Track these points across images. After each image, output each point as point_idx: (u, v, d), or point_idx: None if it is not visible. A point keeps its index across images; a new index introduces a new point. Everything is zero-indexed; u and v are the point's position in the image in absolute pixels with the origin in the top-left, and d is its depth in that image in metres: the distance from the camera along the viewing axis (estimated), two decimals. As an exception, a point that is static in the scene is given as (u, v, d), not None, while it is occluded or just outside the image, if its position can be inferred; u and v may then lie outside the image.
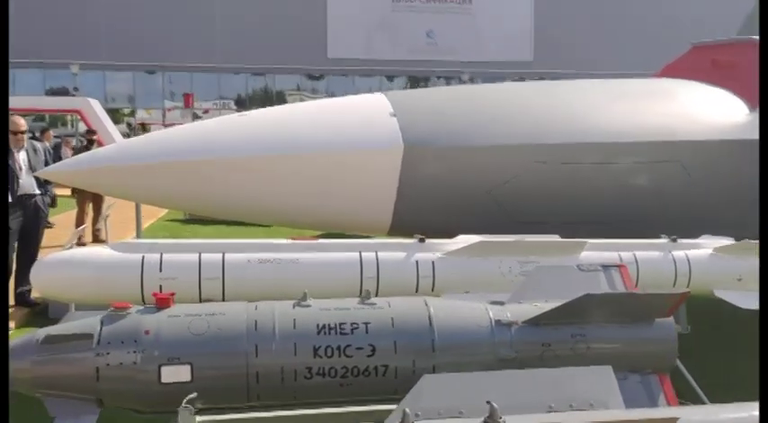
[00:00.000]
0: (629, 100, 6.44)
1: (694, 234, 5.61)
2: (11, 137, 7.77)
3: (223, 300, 4.85)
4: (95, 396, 3.32)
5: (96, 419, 3.34)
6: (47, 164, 8.72)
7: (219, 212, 6.75)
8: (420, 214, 6.20)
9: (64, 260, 4.69)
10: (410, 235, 5.66)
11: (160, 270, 4.69)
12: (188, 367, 3.31)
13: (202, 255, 4.79)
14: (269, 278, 4.79)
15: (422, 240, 5.14)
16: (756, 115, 6.12)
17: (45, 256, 4.86)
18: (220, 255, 4.81)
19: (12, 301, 7.90)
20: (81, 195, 11.73)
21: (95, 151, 6.52)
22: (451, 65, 38.89)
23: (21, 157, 8.12)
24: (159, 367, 3.29)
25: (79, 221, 12.11)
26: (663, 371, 3.67)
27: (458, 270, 4.98)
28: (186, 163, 5.93)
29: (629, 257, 5.07)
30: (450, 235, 5.38)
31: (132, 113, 39.34)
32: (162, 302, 3.49)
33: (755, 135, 6.04)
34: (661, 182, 6.02)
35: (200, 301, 4.82)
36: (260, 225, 15.79)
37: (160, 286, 4.69)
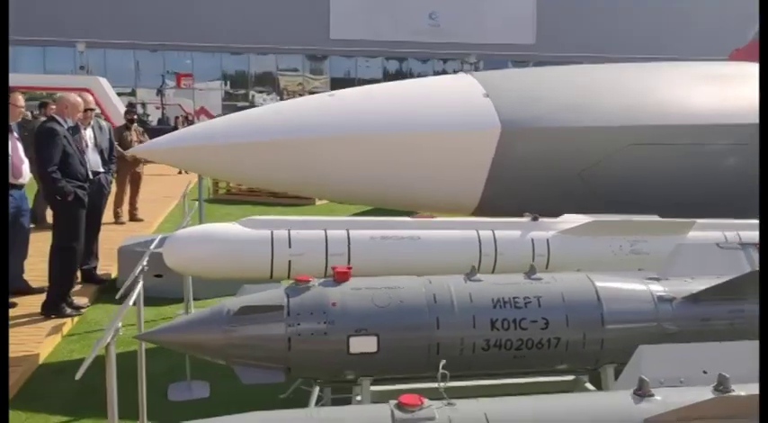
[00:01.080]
0: (713, 82, 6.57)
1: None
2: (84, 114, 7.78)
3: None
4: (285, 365, 3.43)
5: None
6: (111, 142, 8.75)
7: (313, 192, 6.83)
8: (507, 195, 6.30)
9: (198, 236, 4.77)
10: (493, 215, 5.78)
11: (289, 246, 4.79)
12: (374, 338, 3.41)
13: (328, 231, 4.88)
14: (392, 254, 4.90)
15: (535, 219, 5.26)
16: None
17: (177, 232, 4.94)
18: (344, 231, 4.91)
19: (79, 278, 7.95)
20: (120, 175, 11.73)
21: (187, 130, 6.55)
22: (454, 47, 38.88)
23: (87, 135, 8.14)
24: (348, 338, 3.39)
25: (118, 201, 12.13)
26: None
27: (571, 248, 5.12)
28: (288, 141, 6.00)
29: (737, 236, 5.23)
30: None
31: (133, 93, 39.05)
32: (341, 276, 3.59)
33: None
34: (749, 163, 6.16)
35: (325, 276, 4.94)
36: (292, 204, 15.99)
37: (289, 261, 4.81)
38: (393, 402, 2.52)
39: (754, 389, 2.64)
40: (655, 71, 7.02)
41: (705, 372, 2.83)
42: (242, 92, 41.10)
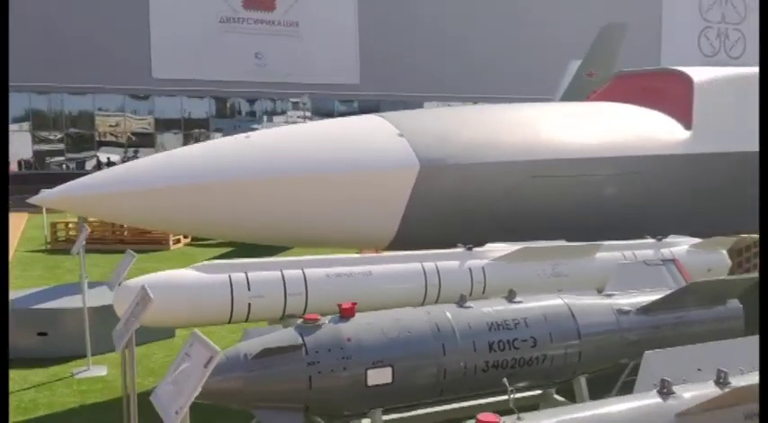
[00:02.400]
0: (591, 120, 7.39)
1: (655, 235, 6.60)
2: None
3: (304, 314, 5.03)
4: (304, 403, 3.47)
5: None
6: None
7: (228, 235, 6.74)
8: (421, 229, 6.65)
9: (155, 284, 4.61)
10: (406, 248, 6.11)
11: (248, 288, 4.78)
12: (389, 369, 3.56)
13: (284, 271, 4.93)
14: (348, 290, 5.04)
15: (469, 248, 5.64)
16: (690, 133, 7.33)
17: (126, 281, 4.73)
18: (300, 270, 4.98)
19: None
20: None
21: (99, 176, 6.28)
22: (281, 87, 39.21)
23: None
24: (366, 371, 3.51)
25: None
26: (730, 343, 4.48)
27: (504, 274, 5.54)
28: (211, 185, 5.96)
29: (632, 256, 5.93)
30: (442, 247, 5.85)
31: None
32: (348, 312, 3.70)
33: (695, 150, 7.25)
34: (626, 191, 6.99)
35: (283, 317, 4.97)
36: (145, 251, 15.28)
37: (249, 304, 4.80)
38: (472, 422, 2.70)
39: (749, 379, 3.13)
40: (542, 110, 7.77)
41: (699, 369, 3.28)
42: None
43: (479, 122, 7.12)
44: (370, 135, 6.65)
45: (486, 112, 7.78)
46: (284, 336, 3.55)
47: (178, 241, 16.82)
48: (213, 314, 4.76)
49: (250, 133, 6.78)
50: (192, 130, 39.04)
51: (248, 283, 4.79)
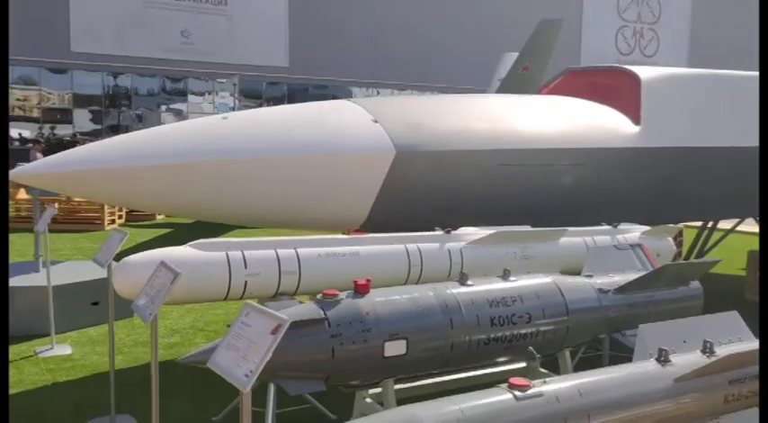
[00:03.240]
0: (552, 112, 7.80)
1: (610, 222, 7.08)
2: None
3: (296, 292, 5.22)
4: (326, 374, 3.67)
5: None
6: None
7: (205, 215, 6.79)
8: (391, 213, 6.90)
9: (154, 261, 4.68)
10: (375, 231, 6.37)
11: (245, 266, 4.91)
12: (404, 342, 3.80)
13: (278, 250, 5.08)
14: (338, 269, 5.25)
15: (448, 232, 5.92)
16: (639, 128, 7.85)
17: (128, 258, 4.77)
18: (293, 250, 5.14)
19: None
20: None
21: (65, 153, 6.20)
22: (208, 67, 38.52)
23: None
24: (383, 343, 3.74)
25: None
26: (691, 321, 4.95)
27: (479, 256, 5.85)
28: (187, 165, 6.03)
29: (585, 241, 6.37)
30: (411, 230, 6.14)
31: None
32: (363, 288, 3.91)
33: (643, 144, 7.77)
34: (582, 180, 7.45)
35: (276, 295, 5.13)
36: (81, 230, 14.91)
37: (245, 282, 4.93)
38: (505, 386, 2.98)
39: (730, 349, 3.54)
40: (505, 101, 8.12)
41: (684, 341, 3.68)
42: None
43: (449, 111, 7.41)
44: (347, 120, 6.83)
45: (455, 102, 8.07)
46: (306, 310, 3.74)
47: (113, 222, 16.49)
48: (211, 291, 4.87)
49: (227, 114, 6.84)
50: (112, 107, 37.85)
51: (245, 261, 4.92)
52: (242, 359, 2.74)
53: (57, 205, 6.92)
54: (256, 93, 40.63)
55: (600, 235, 6.56)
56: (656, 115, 7.99)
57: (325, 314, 3.70)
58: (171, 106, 38.92)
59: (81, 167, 5.91)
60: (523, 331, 4.19)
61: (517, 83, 17.44)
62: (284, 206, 6.63)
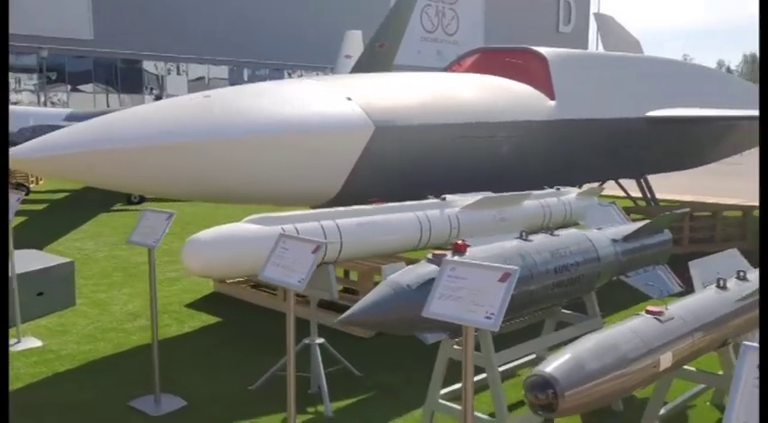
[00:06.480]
0: (491, 89, 8.59)
1: (539, 187, 8.06)
2: None
3: (338, 259, 5.57)
4: (449, 327, 4.15)
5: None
6: None
7: (186, 194, 6.76)
8: (362, 186, 7.34)
9: (224, 238, 4.82)
10: (344, 205, 6.85)
11: (301, 239, 5.17)
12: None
13: (322, 222, 5.40)
14: (371, 236, 5.68)
15: (443, 199, 6.50)
16: (554, 103, 8.91)
17: (198, 235, 4.83)
18: (333, 222, 5.48)
19: None
20: None
21: (45, 138, 5.94)
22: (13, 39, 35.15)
23: None
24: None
25: None
26: (664, 262, 5.99)
27: (470, 219, 6.51)
28: (175, 145, 6.06)
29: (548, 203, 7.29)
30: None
31: None
32: (461, 248, 4.41)
33: (557, 116, 8.85)
34: (519, 150, 8.36)
35: (321, 264, 5.44)
36: None
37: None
38: (646, 314, 3.70)
39: (754, 276, 4.53)
40: (447, 78, 8.77)
41: (718, 273, 4.63)
42: None
43: (412, 88, 7.94)
44: (322, 98, 7.12)
45: (413, 79, 8.55)
46: (426, 269, 4.18)
47: None
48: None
49: (209, 92, 6.83)
50: None
51: (298, 234, 5.17)
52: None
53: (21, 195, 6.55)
54: (59, 66, 37.90)
55: (549, 197, 7.50)
56: (566, 91, 9.09)
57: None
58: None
59: (70, 151, 5.75)
60: (574, 276, 4.94)
61: (373, 60, 18.12)
62: (263, 183, 6.82)
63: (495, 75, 9.32)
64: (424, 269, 4.20)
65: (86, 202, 16.62)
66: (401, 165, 7.42)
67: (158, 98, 37.71)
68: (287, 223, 5.18)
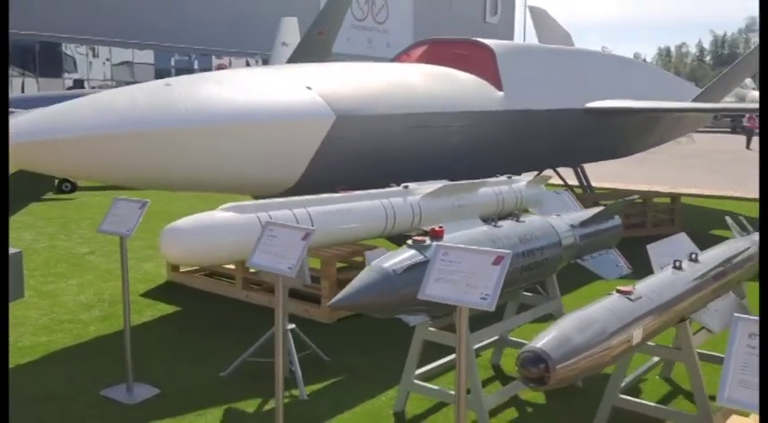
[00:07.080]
0: (442, 80, 8.80)
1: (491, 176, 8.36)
2: None
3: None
4: (429, 307, 4.34)
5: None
6: None
7: (155, 184, 6.71)
8: (320, 176, 7.45)
9: (200, 226, 4.86)
10: (302, 194, 6.99)
11: (275, 226, 5.25)
12: (478, 275, 4.59)
13: (293, 210, 5.50)
14: (340, 223, 5.82)
15: (405, 187, 6.67)
16: (503, 94, 9.22)
17: (176, 223, 4.84)
18: (305, 209, 5.59)
19: None
20: None
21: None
22: None
23: None
24: (468, 277, 4.50)
25: None
26: (614, 246, 6.35)
27: (430, 206, 6.72)
28: (134, 133, 6.05)
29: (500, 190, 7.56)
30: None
31: None
32: (438, 234, 4.60)
33: (506, 107, 9.15)
34: (470, 139, 8.62)
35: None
36: None
37: (274, 240, 5.27)
38: (616, 294, 3.97)
39: (704, 257, 4.90)
40: (402, 69, 8.92)
41: (672, 255, 4.97)
42: None
43: (368, 78, 8.07)
44: (282, 87, 7.18)
45: (368, 69, 8.66)
46: (408, 253, 4.35)
47: None
48: (243, 252, 5.14)
49: (169, 80, 6.79)
50: None
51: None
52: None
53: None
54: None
55: (502, 185, 7.78)
56: (513, 82, 9.41)
57: (425, 256, 4.35)
58: None
59: (37, 138, 5.66)
60: (539, 260, 5.21)
61: (312, 47, 18.13)
62: (223, 172, 6.85)
63: (443, 66, 9.55)
64: (406, 254, 4.37)
65: (14, 191, 16.02)
66: (360, 154, 7.56)
67: (79, 82, 36.44)
68: (261, 211, 5.26)
